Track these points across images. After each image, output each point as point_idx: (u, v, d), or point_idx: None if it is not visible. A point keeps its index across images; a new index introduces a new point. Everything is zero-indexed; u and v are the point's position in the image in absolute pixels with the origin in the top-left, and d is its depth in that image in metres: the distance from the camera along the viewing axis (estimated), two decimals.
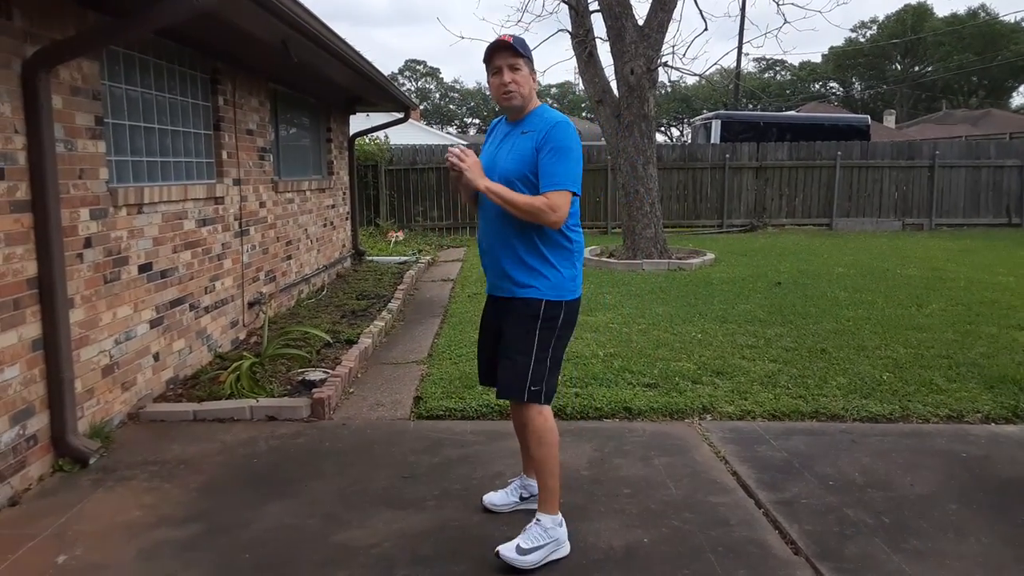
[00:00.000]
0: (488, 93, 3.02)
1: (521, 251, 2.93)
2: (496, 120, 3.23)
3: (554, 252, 2.94)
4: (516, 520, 3.20)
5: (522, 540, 2.89)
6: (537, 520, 2.95)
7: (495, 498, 3.34)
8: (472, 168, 2.88)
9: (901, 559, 2.94)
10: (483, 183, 2.86)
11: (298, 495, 3.53)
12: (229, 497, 3.52)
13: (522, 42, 2.93)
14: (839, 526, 3.21)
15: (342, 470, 3.82)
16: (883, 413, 4.60)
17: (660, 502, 3.44)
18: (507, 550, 2.86)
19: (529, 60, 2.95)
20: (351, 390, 5.12)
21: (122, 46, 4.61)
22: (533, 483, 3.27)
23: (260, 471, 3.82)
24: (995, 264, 10.80)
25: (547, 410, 2.97)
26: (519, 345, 2.93)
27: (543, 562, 2.87)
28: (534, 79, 3.00)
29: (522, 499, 3.31)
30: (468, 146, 3.08)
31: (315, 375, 5.12)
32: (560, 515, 2.99)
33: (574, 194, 2.87)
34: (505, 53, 2.91)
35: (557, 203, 2.81)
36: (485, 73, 3.05)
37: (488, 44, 2.93)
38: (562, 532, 2.97)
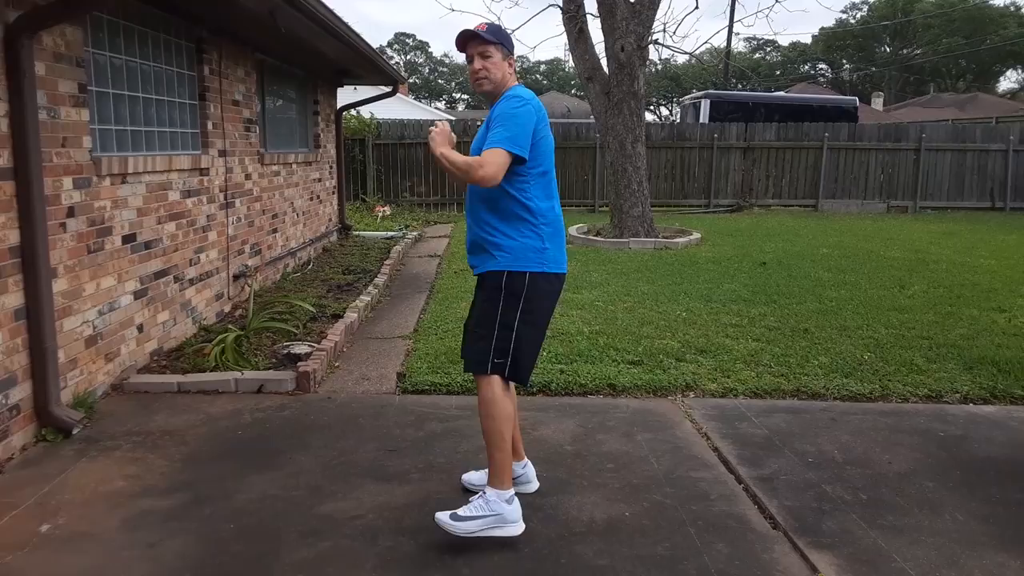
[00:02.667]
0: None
1: (485, 223, 2.98)
2: None
3: (512, 223, 2.94)
4: None
5: (462, 508, 2.89)
6: (483, 492, 2.93)
7: (474, 477, 3.34)
8: (436, 135, 2.94)
9: (877, 534, 2.99)
10: (437, 149, 2.91)
11: (283, 467, 3.55)
12: (213, 468, 3.53)
13: (495, 29, 2.99)
14: (817, 502, 3.26)
15: (327, 443, 3.83)
16: (863, 392, 4.65)
17: (642, 477, 3.48)
18: (442, 514, 2.86)
19: (501, 45, 2.98)
20: (337, 364, 5.13)
21: (106, 12, 4.54)
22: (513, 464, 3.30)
23: (245, 443, 3.83)
24: (977, 247, 10.90)
25: (499, 383, 2.93)
26: (484, 318, 2.96)
27: (479, 533, 2.83)
28: (510, 63, 3.03)
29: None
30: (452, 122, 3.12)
31: (300, 348, 5.11)
32: (511, 491, 2.93)
33: (513, 156, 2.82)
34: (475, 42, 2.97)
35: (487, 159, 2.81)
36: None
37: (458, 33, 2.99)
38: (509, 509, 2.89)
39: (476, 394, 3.02)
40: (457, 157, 2.88)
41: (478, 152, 2.93)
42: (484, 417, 2.95)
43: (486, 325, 2.95)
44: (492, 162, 2.80)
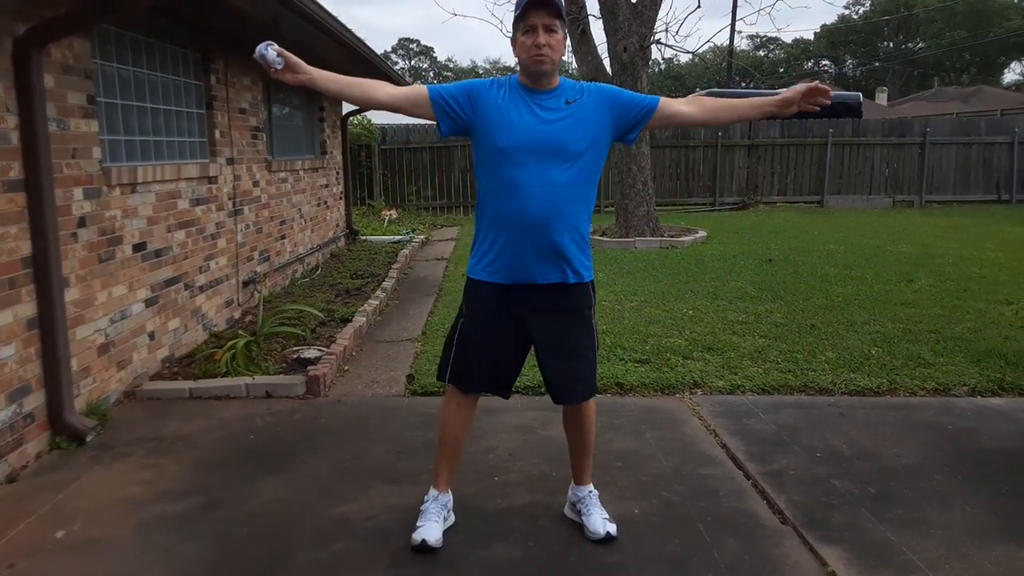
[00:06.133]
0: (520, 56, 2.72)
1: (577, 222, 2.80)
2: (488, 82, 2.82)
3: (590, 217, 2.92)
4: (511, 490, 3.27)
5: (606, 511, 3.01)
6: (596, 492, 3.09)
7: (432, 537, 2.86)
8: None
9: (887, 528, 3.00)
10: None
11: (294, 470, 3.58)
12: (226, 472, 3.56)
13: (562, 2, 2.71)
14: (826, 496, 3.28)
15: (338, 446, 3.87)
16: (871, 387, 4.66)
17: (651, 474, 3.50)
18: (611, 527, 2.93)
19: (564, 24, 2.72)
20: (346, 368, 5.16)
21: (113, 24, 4.59)
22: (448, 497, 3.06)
23: (256, 447, 3.87)
24: (984, 240, 10.88)
25: None
26: (586, 337, 2.90)
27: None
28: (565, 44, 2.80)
29: (444, 520, 2.99)
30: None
31: (310, 353, 5.15)
32: None
33: None
34: (544, 12, 2.63)
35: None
36: (513, 31, 2.75)
37: None
38: None
39: (483, 395, 3.00)
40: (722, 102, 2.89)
41: (548, 138, 2.69)
42: (592, 427, 3.07)
43: (590, 345, 2.91)
44: None
